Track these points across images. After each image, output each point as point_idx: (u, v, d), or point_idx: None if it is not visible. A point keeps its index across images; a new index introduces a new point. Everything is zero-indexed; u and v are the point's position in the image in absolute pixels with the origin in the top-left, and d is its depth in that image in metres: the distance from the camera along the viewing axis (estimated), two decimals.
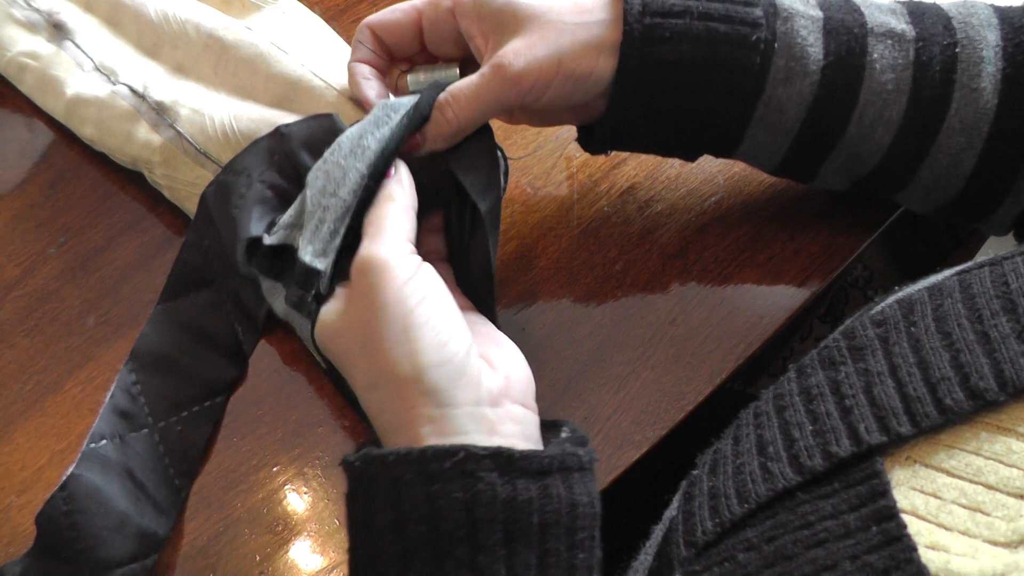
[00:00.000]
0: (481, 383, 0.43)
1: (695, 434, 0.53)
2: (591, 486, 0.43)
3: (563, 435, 0.46)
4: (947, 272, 0.43)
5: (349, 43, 0.64)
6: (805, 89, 0.49)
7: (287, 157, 0.54)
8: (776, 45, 0.48)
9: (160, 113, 0.60)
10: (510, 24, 0.49)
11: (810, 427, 0.39)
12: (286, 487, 0.53)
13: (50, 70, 0.63)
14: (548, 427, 0.47)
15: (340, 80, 0.58)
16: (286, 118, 0.56)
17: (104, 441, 0.53)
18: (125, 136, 0.60)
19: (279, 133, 0.55)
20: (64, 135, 0.66)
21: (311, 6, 0.71)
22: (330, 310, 0.46)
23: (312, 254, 0.48)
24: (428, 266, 0.45)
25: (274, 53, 0.58)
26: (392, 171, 0.49)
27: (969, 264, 0.43)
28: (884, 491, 0.34)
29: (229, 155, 0.57)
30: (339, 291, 0.47)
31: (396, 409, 0.42)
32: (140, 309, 0.59)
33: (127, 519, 0.51)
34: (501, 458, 0.40)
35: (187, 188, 0.59)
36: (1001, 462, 0.34)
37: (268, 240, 0.52)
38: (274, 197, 0.54)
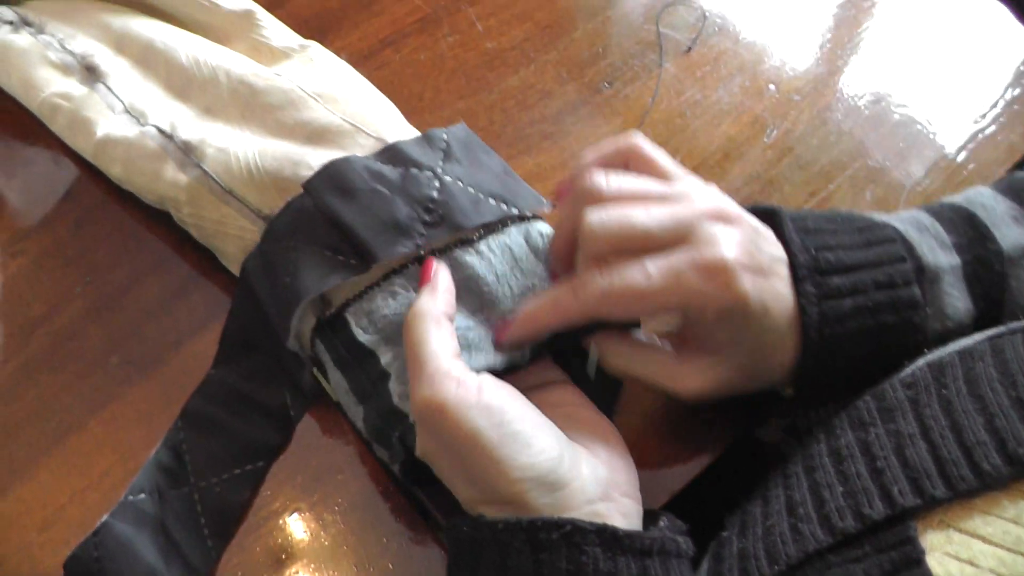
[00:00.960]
0: (586, 482, 0.43)
1: (708, 478, 0.54)
2: (687, 574, 0.43)
3: (661, 523, 0.46)
4: (977, 336, 0.43)
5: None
6: (956, 338, 0.48)
7: (321, 212, 0.53)
8: (928, 311, 0.48)
9: (187, 152, 0.60)
10: (719, 348, 0.47)
11: (841, 488, 0.39)
12: (306, 532, 0.53)
13: (82, 111, 0.64)
14: (647, 516, 0.47)
15: (371, 124, 0.58)
16: (310, 154, 0.56)
17: (143, 495, 0.53)
18: (153, 175, 0.61)
19: (303, 190, 0.54)
20: (91, 173, 0.66)
21: (337, 52, 0.72)
22: (420, 443, 0.46)
23: (399, 396, 0.48)
24: (488, 379, 0.44)
25: (305, 99, 0.59)
26: (431, 273, 0.49)
27: (1001, 329, 0.43)
28: (918, 559, 0.34)
29: (254, 193, 0.57)
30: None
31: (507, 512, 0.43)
32: (164, 349, 0.59)
33: (154, 574, 0.51)
34: (606, 534, 0.40)
35: (214, 226, 0.59)
36: None
37: (361, 338, 0.51)
38: (324, 252, 0.52)
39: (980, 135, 0.68)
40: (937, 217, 0.51)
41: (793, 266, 0.47)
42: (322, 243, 0.52)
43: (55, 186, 0.66)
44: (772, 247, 0.48)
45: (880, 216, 0.51)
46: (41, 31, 0.68)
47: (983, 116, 0.69)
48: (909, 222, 0.51)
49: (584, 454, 0.45)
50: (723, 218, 0.46)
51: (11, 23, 0.68)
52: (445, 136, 0.56)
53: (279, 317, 0.53)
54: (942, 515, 0.36)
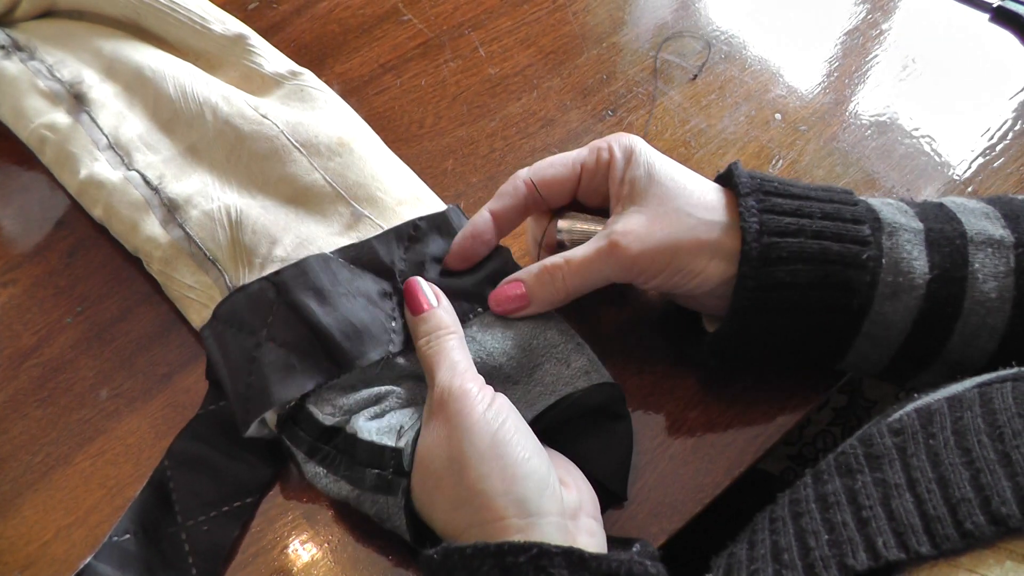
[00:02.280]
0: (562, 497, 0.45)
1: (708, 513, 0.53)
2: None
3: (634, 549, 0.47)
4: (967, 383, 0.43)
5: (366, 118, 0.65)
6: (911, 303, 0.49)
7: (290, 307, 0.52)
8: (883, 261, 0.49)
9: (172, 211, 0.59)
10: (641, 194, 0.51)
11: (826, 536, 0.38)
12: (295, 569, 0.52)
13: (67, 145, 0.63)
14: (621, 543, 0.49)
15: (352, 185, 0.59)
16: (287, 229, 0.57)
17: (128, 535, 0.52)
18: (131, 225, 0.60)
19: (272, 284, 0.53)
20: None
21: (333, 78, 0.71)
22: (424, 439, 0.48)
23: (377, 432, 0.50)
24: (501, 395, 0.48)
25: (289, 150, 0.59)
26: (435, 302, 0.52)
27: (991, 376, 0.42)
28: None
29: (232, 265, 0.57)
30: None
31: (484, 522, 0.44)
32: (154, 382, 0.59)
33: None
34: (572, 556, 0.41)
35: (182, 289, 0.59)
36: None
37: (329, 422, 0.51)
38: (290, 354, 0.52)
39: (989, 167, 0.67)
40: (904, 201, 0.53)
41: (736, 187, 0.51)
42: (289, 343, 0.52)
43: (49, 214, 0.66)
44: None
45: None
46: (32, 56, 0.67)
47: (992, 147, 0.67)
48: (873, 198, 0.53)
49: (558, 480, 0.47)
50: None
51: (3, 47, 0.67)
52: (417, 225, 0.57)
53: (242, 411, 0.52)
54: (929, 570, 0.35)
